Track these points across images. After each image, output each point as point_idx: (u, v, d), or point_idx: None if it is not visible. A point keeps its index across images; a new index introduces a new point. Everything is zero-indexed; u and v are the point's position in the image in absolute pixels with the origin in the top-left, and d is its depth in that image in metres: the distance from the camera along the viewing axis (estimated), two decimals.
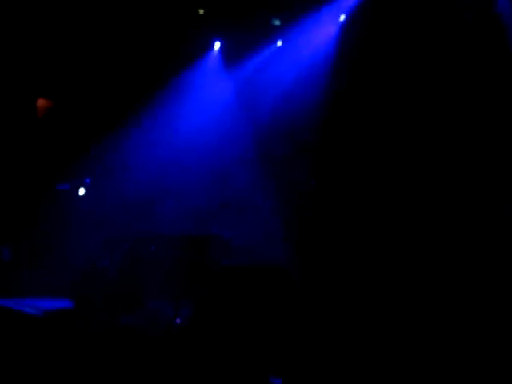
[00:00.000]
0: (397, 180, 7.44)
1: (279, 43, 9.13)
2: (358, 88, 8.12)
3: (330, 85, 8.39)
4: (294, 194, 8.16)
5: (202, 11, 8.89)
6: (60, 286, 6.94)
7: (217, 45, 9.14)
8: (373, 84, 7.97)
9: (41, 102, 8.84)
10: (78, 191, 7.95)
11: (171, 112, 8.66)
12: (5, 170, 8.18)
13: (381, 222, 7.30)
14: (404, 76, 7.67)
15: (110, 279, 7.08)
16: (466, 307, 5.84)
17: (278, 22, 8.99)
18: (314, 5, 8.59)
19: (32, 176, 8.30)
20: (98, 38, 8.49)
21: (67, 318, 6.19)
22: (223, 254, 6.61)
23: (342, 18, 8.78)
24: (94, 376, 4.99)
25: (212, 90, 8.99)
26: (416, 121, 7.45)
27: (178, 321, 6.19)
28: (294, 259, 6.87)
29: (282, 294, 5.40)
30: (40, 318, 5.82)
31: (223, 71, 9.10)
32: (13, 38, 8.12)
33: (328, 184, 8.18)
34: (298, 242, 7.50)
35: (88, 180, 7.95)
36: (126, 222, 7.72)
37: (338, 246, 7.37)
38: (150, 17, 8.54)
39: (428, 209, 7.04)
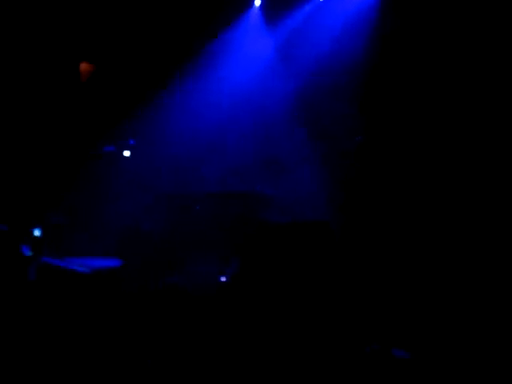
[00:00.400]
0: (451, 137, 7.19)
1: None
2: (408, 42, 7.81)
3: (377, 38, 8.12)
4: (340, 150, 8.02)
5: None
6: (108, 246, 7.07)
7: (257, 1, 8.97)
8: (424, 32, 7.64)
9: (84, 66, 8.89)
10: (122, 153, 8.00)
11: (214, 71, 8.60)
12: (51, 135, 8.33)
13: (431, 183, 7.11)
14: (456, 24, 7.35)
15: (155, 238, 7.18)
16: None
17: None
18: None
19: (78, 140, 8.43)
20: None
21: (115, 276, 6.32)
22: (267, 211, 6.58)
23: None
24: (138, 333, 5.09)
25: (254, 47, 8.87)
26: (470, 75, 7.16)
27: (224, 278, 6.23)
28: (337, 217, 6.79)
29: (326, 250, 5.34)
30: (88, 275, 5.95)
31: (264, 28, 8.95)
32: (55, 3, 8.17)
33: (376, 140, 8.00)
34: (343, 201, 7.40)
35: (132, 141, 7.99)
36: (171, 182, 7.77)
37: (383, 204, 7.23)
38: None
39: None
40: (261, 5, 8.99)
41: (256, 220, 6.22)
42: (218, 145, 8.20)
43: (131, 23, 8.64)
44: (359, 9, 8.53)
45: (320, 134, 8.23)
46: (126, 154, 7.90)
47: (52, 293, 5.55)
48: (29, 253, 6.53)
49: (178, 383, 4.48)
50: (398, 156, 7.50)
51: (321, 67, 8.35)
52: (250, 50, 8.91)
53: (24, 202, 7.75)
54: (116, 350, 4.86)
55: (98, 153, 8.13)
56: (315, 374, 4.51)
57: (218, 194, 6.87)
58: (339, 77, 8.15)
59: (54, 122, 8.51)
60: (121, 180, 8.23)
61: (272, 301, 5.36)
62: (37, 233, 6.78)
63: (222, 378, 4.53)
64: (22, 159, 8.10)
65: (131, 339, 5.06)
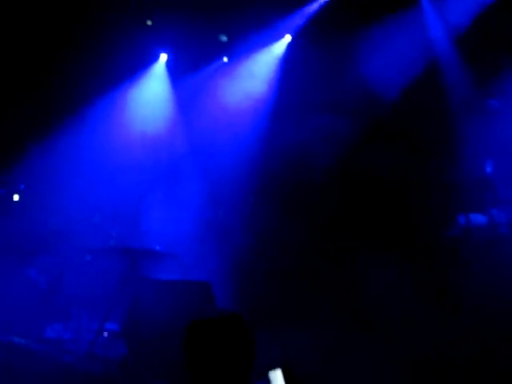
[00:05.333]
0: None
1: (225, 59, 9.23)
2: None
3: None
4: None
5: (149, 22, 8.89)
6: None
7: (162, 57, 9.13)
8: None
9: None
10: (12, 197, 7.76)
11: (110, 122, 8.57)
12: None
13: None
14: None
15: (40, 288, 7.01)
16: None
17: (225, 38, 9.06)
18: (262, 22, 8.73)
19: None
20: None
21: None
22: (154, 268, 6.62)
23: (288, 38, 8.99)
24: None
25: (154, 101, 8.96)
26: None
27: (105, 334, 6.17)
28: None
29: (206, 309, 5.45)
30: None
31: (167, 83, 9.11)
32: None
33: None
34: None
35: (23, 186, 7.77)
36: (58, 232, 7.56)
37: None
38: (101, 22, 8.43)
39: None
40: (166, 61, 9.14)
41: (142, 276, 6.23)
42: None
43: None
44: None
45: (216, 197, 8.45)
46: (16, 198, 7.68)
47: None
48: None
49: None
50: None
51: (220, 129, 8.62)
52: (151, 103, 8.98)
53: None
54: None
55: None
56: None
57: (107, 248, 6.78)
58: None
59: None
60: (8, 224, 7.94)
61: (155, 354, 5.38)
62: None
63: None
64: None
65: None
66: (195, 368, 2.22)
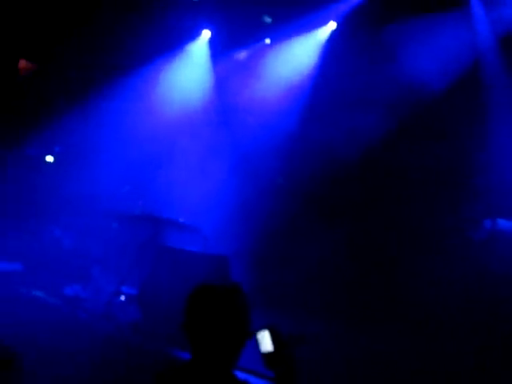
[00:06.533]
0: None
1: (267, 41, 9.23)
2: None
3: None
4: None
5: None
6: (14, 250, 7.00)
7: (205, 33, 9.19)
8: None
9: (23, 64, 8.84)
10: (45, 158, 7.95)
11: (148, 93, 8.69)
12: None
13: None
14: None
15: (63, 247, 7.20)
16: None
17: (269, 20, 9.04)
18: (307, 6, 8.66)
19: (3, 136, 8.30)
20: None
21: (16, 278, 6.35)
22: (175, 239, 6.72)
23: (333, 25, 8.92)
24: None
25: (193, 75, 9.04)
26: None
27: (122, 298, 6.31)
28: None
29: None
30: None
31: (208, 60, 9.17)
32: None
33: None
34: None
35: (57, 148, 7.94)
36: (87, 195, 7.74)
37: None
38: None
39: None
40: (209, 37, 9.21)
41: (161, 245, 6.35)
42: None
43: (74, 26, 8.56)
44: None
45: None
46: (49, 159, 7.85)
47: None
48: None
49: None
50: None
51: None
52: (190, 79, 9.05)
53: None
54: None
55: (21, 154, 8.04)
56: None
57: (127, 215, 6.91)
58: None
59: None
60: (42, 183, 8.14)
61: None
62: None
63: None
64: None
65: None
66: (192, 330, 2.35)
